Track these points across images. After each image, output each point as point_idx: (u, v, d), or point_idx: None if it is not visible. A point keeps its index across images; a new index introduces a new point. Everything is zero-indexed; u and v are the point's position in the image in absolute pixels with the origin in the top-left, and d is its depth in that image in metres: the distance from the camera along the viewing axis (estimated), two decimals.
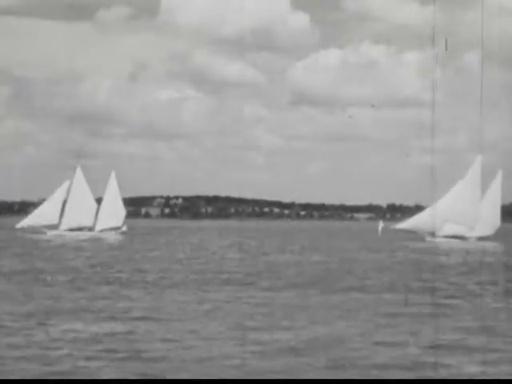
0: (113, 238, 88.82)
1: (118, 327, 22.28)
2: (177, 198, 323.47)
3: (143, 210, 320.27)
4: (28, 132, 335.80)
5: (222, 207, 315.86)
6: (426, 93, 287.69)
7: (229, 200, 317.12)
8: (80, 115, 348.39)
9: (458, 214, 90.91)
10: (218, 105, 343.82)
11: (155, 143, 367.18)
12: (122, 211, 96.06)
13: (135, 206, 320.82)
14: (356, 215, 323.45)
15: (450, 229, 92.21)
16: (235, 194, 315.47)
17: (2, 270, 41.70)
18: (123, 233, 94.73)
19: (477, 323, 23.83)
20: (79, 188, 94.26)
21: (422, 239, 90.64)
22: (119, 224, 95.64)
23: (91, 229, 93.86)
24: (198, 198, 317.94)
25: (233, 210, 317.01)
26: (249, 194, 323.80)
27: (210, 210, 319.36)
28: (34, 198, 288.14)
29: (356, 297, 31.01)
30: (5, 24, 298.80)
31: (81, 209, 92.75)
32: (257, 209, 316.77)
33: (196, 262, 50.33)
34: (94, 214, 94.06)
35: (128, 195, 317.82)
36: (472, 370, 17.22)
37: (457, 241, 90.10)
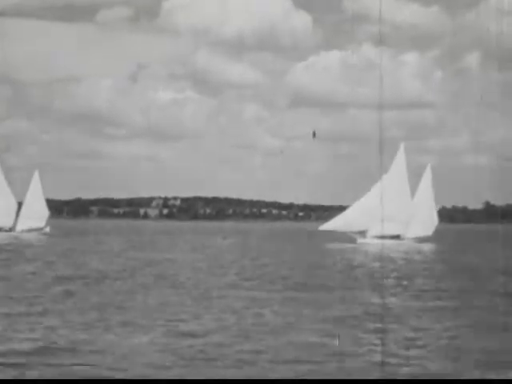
0: (33, 238, 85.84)
1: None
2: (175, 198, 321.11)
3: (142, 211, 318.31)
4: (29, 132, 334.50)
5: (220, 208, 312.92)
6: (426, 94, 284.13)
7: (227, 201, 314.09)
8: (80, 116, 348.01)
9: (386, 209, 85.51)
10: (217, 106, 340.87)
11: (154, 144, 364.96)
12: (44, 212, 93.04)
13: (133, 206, 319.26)
14: None
15: (382, 228, 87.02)
16: (234, 195, 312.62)
17: None
18: (45, 234, 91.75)
19: None
20: None
21: (353, 240, 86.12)
22: (41, 225, 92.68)
23: (11, 229, 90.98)
24: (197, 199, 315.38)
25: (231, 211, 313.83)
26: (247, 195, 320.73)
27: (208, 211, 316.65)
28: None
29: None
30: (5, 24, 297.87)
31: None
32: (255, 210, 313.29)
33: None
34: (14, 214, 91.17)
35: (127, 196, 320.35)
36: None
37: (391, 242, 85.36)
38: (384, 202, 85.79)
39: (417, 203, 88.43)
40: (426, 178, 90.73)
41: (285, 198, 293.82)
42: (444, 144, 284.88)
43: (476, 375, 17.03)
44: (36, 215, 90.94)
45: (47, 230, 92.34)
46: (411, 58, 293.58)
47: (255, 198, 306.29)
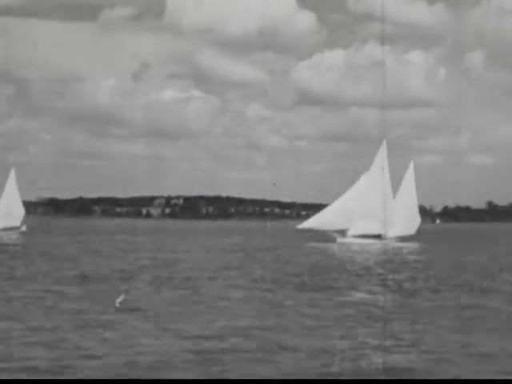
0: (5, 237, 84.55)
1: None
2: (178, 198, 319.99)
3: (144, 210, 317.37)
4: (30, 131, 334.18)
5: (222, 207, 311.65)
6: (431, 93, 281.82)
7: (230, 200, 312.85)
8: (83, 115, 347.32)
9: (367, 208, 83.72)
10: (221, 105, 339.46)
11: (157, 143, 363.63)
12: (20, 210, 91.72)
13: (136, 206, 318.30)
14: None
15: (363, 227, 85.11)
16: (236, 195, 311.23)
17: None
18: (22, 233, 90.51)
19: None
20: None
21: (333, 240, 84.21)
22: (17, 224, 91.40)
23: None
24: (199, 198, 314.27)
25: (233, 210, 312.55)
26: (250, 195, 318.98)
27: (210, 210, 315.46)
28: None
29: None
30: (7, 24, 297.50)
31: None
32: (257, 209, 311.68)
33: None
34: None
35: (129, 195, 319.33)
36: None
37: (371, 241, 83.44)
38: (364, 200, 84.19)
39: (399, 202, 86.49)
40: (409, 176, 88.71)
41: (287, 197, 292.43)
42: (447, 143, 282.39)
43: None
44: (12, 214, 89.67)
45: (23, 229, 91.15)
46: (415, 56, 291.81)
47: (257, 197, 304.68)
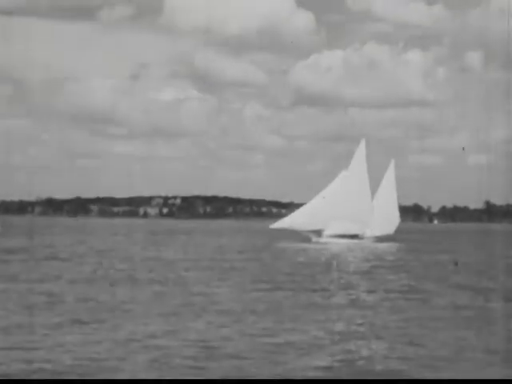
0: None
1: None
2: (175, 197, 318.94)
3: (141, 210, 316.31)
4: (29, 131, 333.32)
5: (219, 207, 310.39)
6: (429, 93, 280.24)
7: (227, 200, 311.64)
8: (81, 115, 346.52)
9: (344, 208, 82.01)
10: (219, 105, 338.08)
11: (155, 143, 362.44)
12: None
13: (133, 205, 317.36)
14: None
15: (339, 227, 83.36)
16: (233, 194, 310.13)
17: None
18: None
19: None
20: None
21: (309, 240, 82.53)
22: None
23: None
24: (197, 197, 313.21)
25: (231, 210, 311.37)
26: (247, 194, 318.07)
27: (208, 209, 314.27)
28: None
29: None
30: (6, 24, 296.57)
31: None
32: (255, 208, 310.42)
33: None
34: None
35: (127, 195, 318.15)
36: None
37: (347, 241, 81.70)
38: (341, 200, 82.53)
39: (378, 202, 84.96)
40: (389, 175, 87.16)
41: (285, 197, 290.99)
42: (445, 143, 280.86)
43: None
44: None
45: None
46: (413, 56, 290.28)
47: (255, 197, 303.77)
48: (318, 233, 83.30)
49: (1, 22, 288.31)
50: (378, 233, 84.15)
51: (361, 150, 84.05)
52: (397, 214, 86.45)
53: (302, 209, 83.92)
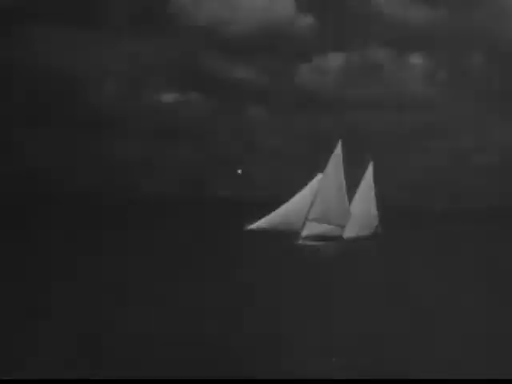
0: None
1: None
2: None
3: None
4: (29, 131, 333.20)
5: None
6: (430, 95, 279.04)
7: (227, 200, 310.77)
8: (82, 116, 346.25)
9: (321, 210, 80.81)
10: (220, 106, 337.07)
11: (156, 144, 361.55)
12: None
13: None
14: None
15: (317, 228, 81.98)
16: (234, 196, 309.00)
17: None
18: None
19: None
20: None
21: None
22: None
23: None
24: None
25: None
26: (247, 195, 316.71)
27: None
28: None
29: None
30: (6, 23, 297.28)
31: None
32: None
33: None
34: None
35: (127, 196, 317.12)
36: None
37: (324, 243, 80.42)
38: (317, 201, 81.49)
39: (356, 203, 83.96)
40: (368, 176, 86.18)
41: (285, 198, 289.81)
42: (447, 145, 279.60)
43: None
44: None
45: None
46: (415, 59, 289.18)
47: (255, 197, 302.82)
48: (295, 234, 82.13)
49: (2, 23, 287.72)
50: (355, 234, 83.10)
51: (337, 152, 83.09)
52: (375, 215, 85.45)
53: (278, 210, 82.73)
